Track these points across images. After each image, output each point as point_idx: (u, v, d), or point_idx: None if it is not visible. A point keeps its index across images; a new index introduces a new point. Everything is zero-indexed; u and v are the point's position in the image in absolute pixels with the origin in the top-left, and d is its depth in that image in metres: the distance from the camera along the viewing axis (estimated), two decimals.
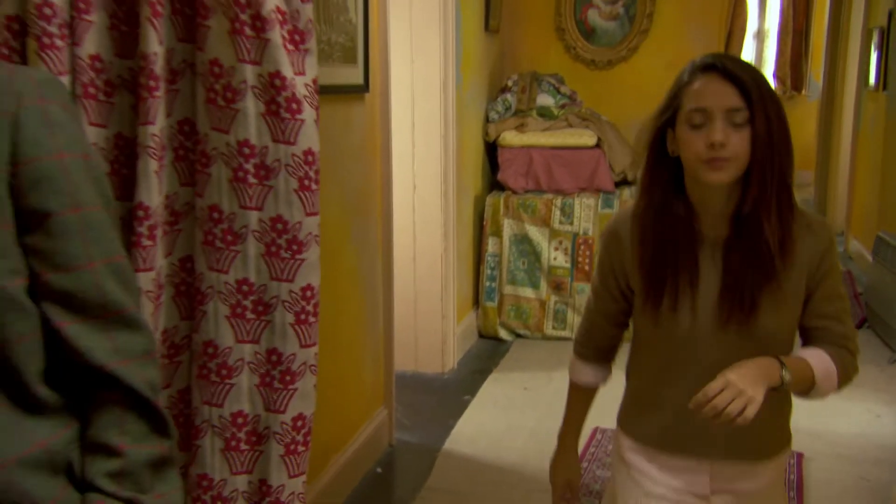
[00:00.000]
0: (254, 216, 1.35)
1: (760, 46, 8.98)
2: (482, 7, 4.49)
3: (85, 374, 1.03)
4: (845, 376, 1.38)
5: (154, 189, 1.30)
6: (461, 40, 4.17)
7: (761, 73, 1.33)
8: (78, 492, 1.01)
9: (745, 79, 1.28)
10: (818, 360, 1.35)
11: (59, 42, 1.23)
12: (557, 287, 4.36)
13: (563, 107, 4.65)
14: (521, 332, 4.34)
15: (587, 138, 4.44)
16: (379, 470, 3.17)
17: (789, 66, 8.79)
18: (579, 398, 1.62)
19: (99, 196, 1.05)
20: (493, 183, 4.54)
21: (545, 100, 4.68)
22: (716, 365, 1.29)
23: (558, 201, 4.39)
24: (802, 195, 7.33)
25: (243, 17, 1.27)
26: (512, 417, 3.46)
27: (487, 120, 4.54)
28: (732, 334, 1.35)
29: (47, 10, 1.21)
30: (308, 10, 1.34)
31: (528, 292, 4.38)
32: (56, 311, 1.01)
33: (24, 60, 1.25)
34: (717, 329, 1.36)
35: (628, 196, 4.37)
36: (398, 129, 3.71)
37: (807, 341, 1.43)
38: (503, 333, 4.35)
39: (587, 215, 4.42)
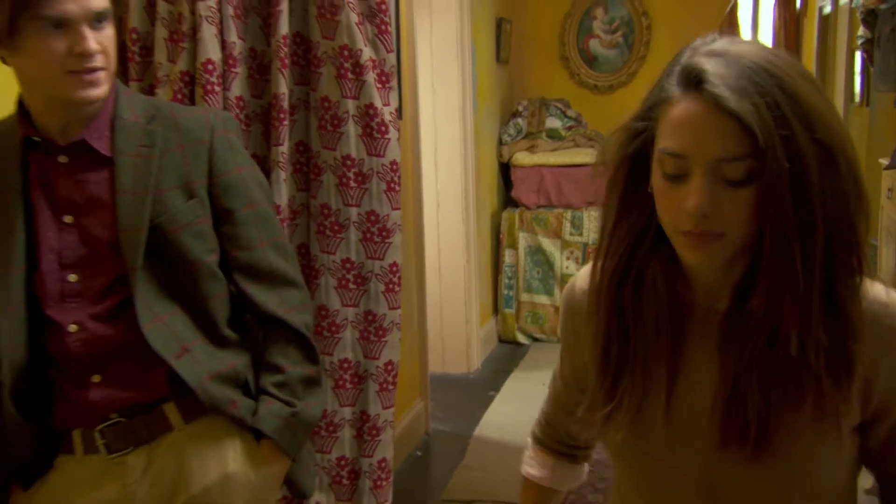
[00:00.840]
0: (354, 211, 1.83)
1: None
2: (493, 41, 4.86)
3: (261, 320, 1.50)
4: None
5: (283, 193, 1.78)
6: (476, 71, 4.53)
7: (795, 76, 0.83)
8: (251, 399, 1.46)
9: (751, 107, 0.80)
10: None
11: (216, 88, 1.72)
12: None
13: (570, 128, 4.98)
14: (538, 335, 4.67)
15: (593, 156, 4.81)
16: (419, 453, 3.54)
17: None
18: (531, 500, 1.22)
19: (264, 196, 1.53)
20: (508, 200, 4.86)
21: (553, 122, 5.03)
22: (712, 489, 0.93)
23: (568, 214, 4.73)
24: None
25: (346, 65, 1.76)
26: (534, 409, 3.75)
27: (501, 142, 4.87)
28: (735, 461, 0.90)
29: (210, 66, 1.70)
30: (391, 59, 1.83)
31: (543, 299, 4.71)
32: (241, 277, 1.48)
33: (192, 101, 1.73)
34: (709, 450, 0.91)
35: None
36: (423, 153, 3.93)
37: (886, 488, 0.97)
38: (521, 337, 4.67)
39: (596, 226, 4.72)
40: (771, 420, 0.87)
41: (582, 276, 1.05)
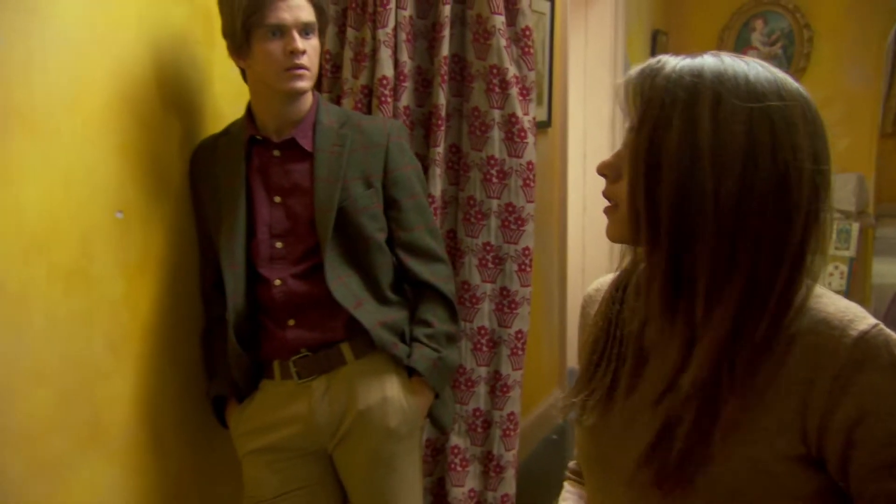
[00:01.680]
0: (495, 203, 2.18)
1: None
2: (647, 53, 5.01)
3: (415, 285, 1.87)
4: None
5: (437, 186, 2.16)
6: None
7: (729, 88, 0.85)
8: (406, 345, 1.83)
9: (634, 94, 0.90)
10: None
11: (388, 99, 2.12)
12: None
13: None
14: None
15: None
16: (555, 437, 3.83)
17: None
18: None
19: (423, 190, 1.91)
20: None
21: None
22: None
23: None
24: None
25: (494, 81, 2.12)
26: None
27: None
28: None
29: (384, 81, 2.10)
30: (532, 76, 2.16)
31: None
32: (402, 252, 1.85)
33: (369, 110, 2.15)
34: (643, 484, 0.90)
35: None
36: (572, 159, 4.20)
37: None
38: None
39: None
40: (695, 450, 0.85)
41: (594, 286, 1.11)
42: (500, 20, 2.09)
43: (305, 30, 1.68)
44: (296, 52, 1.66)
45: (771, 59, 5.23)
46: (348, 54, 2.16)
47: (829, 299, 0.88)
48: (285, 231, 1.77)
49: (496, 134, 2.15)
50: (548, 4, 3.48)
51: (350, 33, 2.13)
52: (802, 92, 0.89)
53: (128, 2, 1.74)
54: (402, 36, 2.13)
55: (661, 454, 0.87)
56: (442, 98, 2.14)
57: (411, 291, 1.90)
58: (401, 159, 1.84)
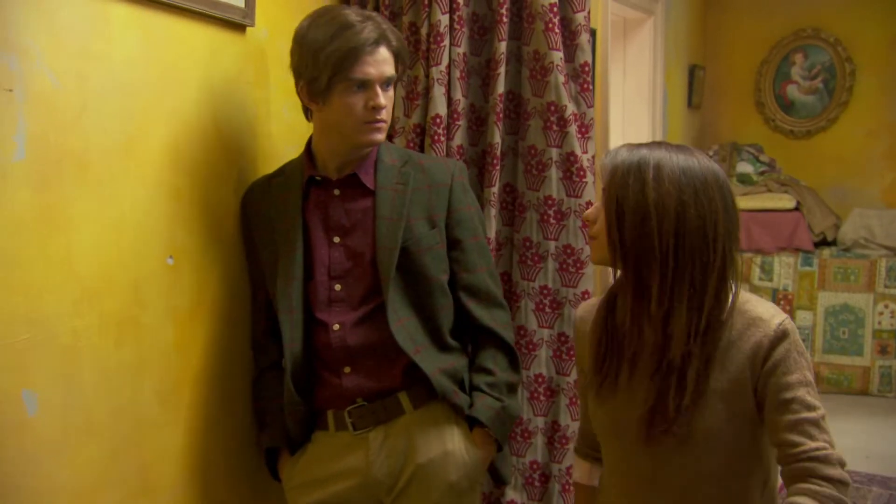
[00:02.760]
0: (552, 244, 2.10)
1: None
2: (685, 87, 5.01)
3: (475, 330, 1.80)
4: None
5: (492, 227, 2.08)
6: (667, 116, 4.71)
7: (665, 168, 1.29)
8: (466, 394, 1.76)
9: (610, 169, 1.33)
10: None
11: (441, 138, 2.06)
12: None
13: (762, 173, 4.98)
14: None
15: (786, 202, 4.73)
16: None
17: None
18: (581, 500, 1.63)
19: (483, 231, 1.85)
20: None
21: (745, 167, 5.04)
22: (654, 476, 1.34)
23: (758, 260, 4.70)
24: None
25: (552, 118, 2.05)
26: None
27: None
28: (664, 436, 1.31)
29: (437, 120, 2.05)
30: (591, 113, 2.10)
31: None
32: (463, 294, 1.79)
33: (421, 149, 2.09)
34: (645, 430, 1.33)
35: (828, 255, 4.63)
36: None
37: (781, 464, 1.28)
38: None
39: (787, 272, 4.70)
40: (683, 405, 1.28)
41: (582, 307, 1.56)
42: (557, 56, 2.03)
43: (387, 82, 1.67)
44: (378, 108, 1.65)
45: (812, 93, 5.16)
46: (400, 93, 2.11)
47: (757, 302, 1.35)
48: (345, 272, 1.72)
49: (554, 173, 2.07)
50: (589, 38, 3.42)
51: None
52: (714, 166, 1.33)
53: (181, 44, 1.70)
54: (456, 73, 2.07)
55: (660, 413, 1.30)
56: (497, 136, 2.07)
57: (470, 337, 1.83)
58: (464, 199, 1.80)
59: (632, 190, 1.28)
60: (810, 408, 1.24)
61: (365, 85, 1.64)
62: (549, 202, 2.08)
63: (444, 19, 2.05)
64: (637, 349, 1.35)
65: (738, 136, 5.28)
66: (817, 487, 1.19)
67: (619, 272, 1.36)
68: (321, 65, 1.61)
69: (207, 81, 1.77)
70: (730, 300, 1.31)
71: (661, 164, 1.28)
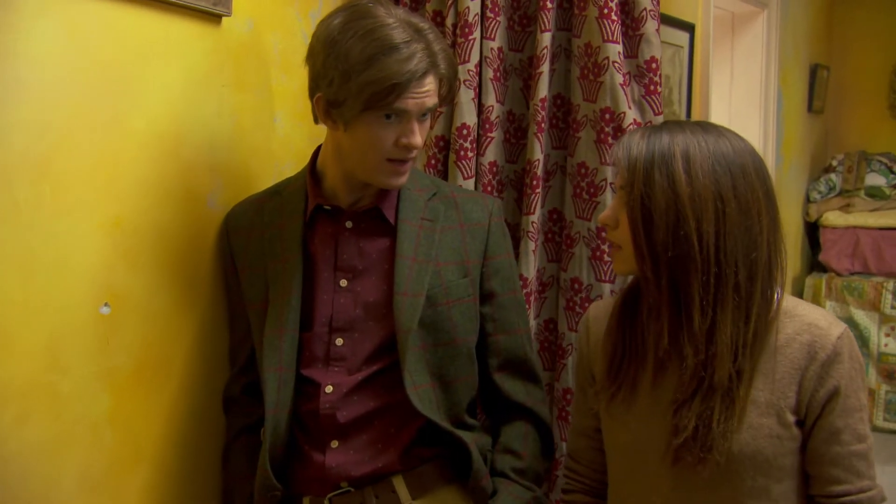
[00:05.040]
0: (607, 287, 1.65)
1: None
2: (805, 89, 4.51)
3: (503, 405, 1.47)
4: None
5: (531, 265, 1.66)
6: (782, 121, 4.21)
7: (698, 151, 1.14)
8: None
9: (628, 156, 1.17)
10: None
11: (469, 154, 1.66)
12: (889, 376, 4.12)
13: (895, 186, 4.47)
14: None
15: None
16: None
17: None
18: None
19: (518, 283, 1.51)
20: (815, 264, 4.47)
21: (875, 179, 4.52)
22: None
23: (890, 284, 4.19)
24: None
25: (607, 129, 1.61)
26: None
27: (808, 200, 4.50)
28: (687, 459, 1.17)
29: (464, 131, 1.64)
30: (658, 121, 1.64)
31: None
32: (494, 362, 1.45)
33: (444, 167, 1.69)
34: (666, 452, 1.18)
35: None
36: None
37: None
38: None
39: None
40: (726, 426, 1.14)
41: (595, 306, 1.40)
42: (614, 50, 1.58)
43: (424, 113, 1.33)
44: (411, 148, 1.33)
45: None
46: None
47: (807, 307, 1.22)
48: (349, 323, 1.39)
49: (609, 198, 1.63)
50: (686, 35, 2.95)
51: None
52: (748, 145, 1.18)
53: (124, 37, 1.35)
54: (489, 73, 1.66)
55: (700, 439, 1.14)
56: (538, 152, 1.65)
57: (494, 412, 1.50)
58: (503, 243, 1.48)
59: (659, 187, 1.12)
60: (861, 438, 1.15)
61: (399, 117, 1.30)
62: (603, 234, 1.64)
63: (474, 6, 1.64)
64: (663, 361, 1.20)
65: (868, 145, 4.77)
66: None
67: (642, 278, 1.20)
68: (352, 91, 1.27)
69: (162, 84, 1.42)
70: (776, 298, 1.18)
71: (690, 152, 1.13)
